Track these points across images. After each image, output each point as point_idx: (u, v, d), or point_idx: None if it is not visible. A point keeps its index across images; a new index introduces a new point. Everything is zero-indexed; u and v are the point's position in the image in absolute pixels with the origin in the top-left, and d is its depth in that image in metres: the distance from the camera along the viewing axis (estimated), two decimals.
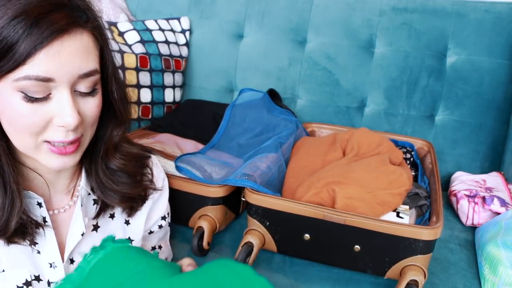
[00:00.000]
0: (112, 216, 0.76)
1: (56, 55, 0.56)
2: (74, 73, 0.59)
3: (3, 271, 0.64)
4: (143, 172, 0.78)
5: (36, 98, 0.58)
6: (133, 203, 0.76)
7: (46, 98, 0.58)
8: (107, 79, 0.66)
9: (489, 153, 1.32)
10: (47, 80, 0.57)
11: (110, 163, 0.72)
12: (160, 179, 0.82)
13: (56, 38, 0.56)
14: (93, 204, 0.74)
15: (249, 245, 0.90)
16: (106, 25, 0.68)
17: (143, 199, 0.78)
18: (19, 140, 0.61)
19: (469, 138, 1.33)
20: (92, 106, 0.63)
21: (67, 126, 0.59)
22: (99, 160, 0.71)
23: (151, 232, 0.83)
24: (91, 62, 0.61)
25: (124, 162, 0.73)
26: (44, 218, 0.67)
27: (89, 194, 0.73)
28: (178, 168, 0.98)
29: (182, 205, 0.96)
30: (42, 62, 0.56)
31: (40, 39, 0.55)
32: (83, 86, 0.61)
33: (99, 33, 0.63)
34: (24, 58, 0.55)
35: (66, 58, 0.57)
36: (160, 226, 0.84)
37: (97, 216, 0.73)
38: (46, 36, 0.55)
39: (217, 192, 0.96)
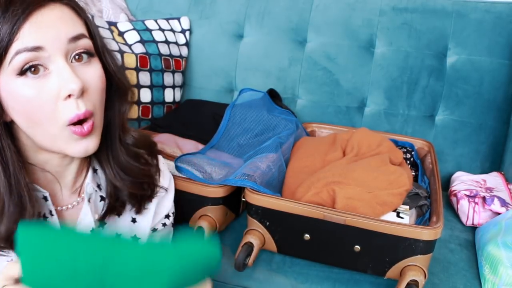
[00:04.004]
0: (119, 214, 0.76)
1: (39, 24, 0.58)
2: (62, 38, 0.59)
3: (12, 260, 0.64)
4: (149, 155, 0.78)
5: (33, 69, 0.58)
6: (141, 199, 0.76)
7: (44, 73, 0.59)
8: (100, 51, 0.66)
9: (489, 153, 1.32)
10: (37, 48, 0.57)
11: (127, 137, 0.73)
12: (167, 178, 0.82)
13: (34, 11, 0.57)
14: (100, 201, 0.73)
15: (249, 245, 0.90)
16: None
17: (150, 196, 0.78)
18: (42, 132, 0.61)
19: (469, 138, 1.33)
20: (92, 75, 0.63)
21: (72, 92, 0.59)
22: (117, 143, 0.71)
23: (154, 230, 0.83)
24: (78, 27, 0.62)
25: (136, 135, 0.74)
26: (50, 212, 0.67)
27: (96, 190, 0.73)
28: (178, 168, 0.98)
29: (182, 205, 0.96)
30: (27, 34, 0.57)
31: (17, 16, 0.56)
32: (76, 52, 0.61)
33: (79, 8, 0.64)
34: (8, 39, 0.56)
35: (49, 25, 0.58)
36: (164, 224, 0.84)
37: (104, 216, 0.73)
38: (22, 11, 0.56)
39: (217, 192, 0.95)
